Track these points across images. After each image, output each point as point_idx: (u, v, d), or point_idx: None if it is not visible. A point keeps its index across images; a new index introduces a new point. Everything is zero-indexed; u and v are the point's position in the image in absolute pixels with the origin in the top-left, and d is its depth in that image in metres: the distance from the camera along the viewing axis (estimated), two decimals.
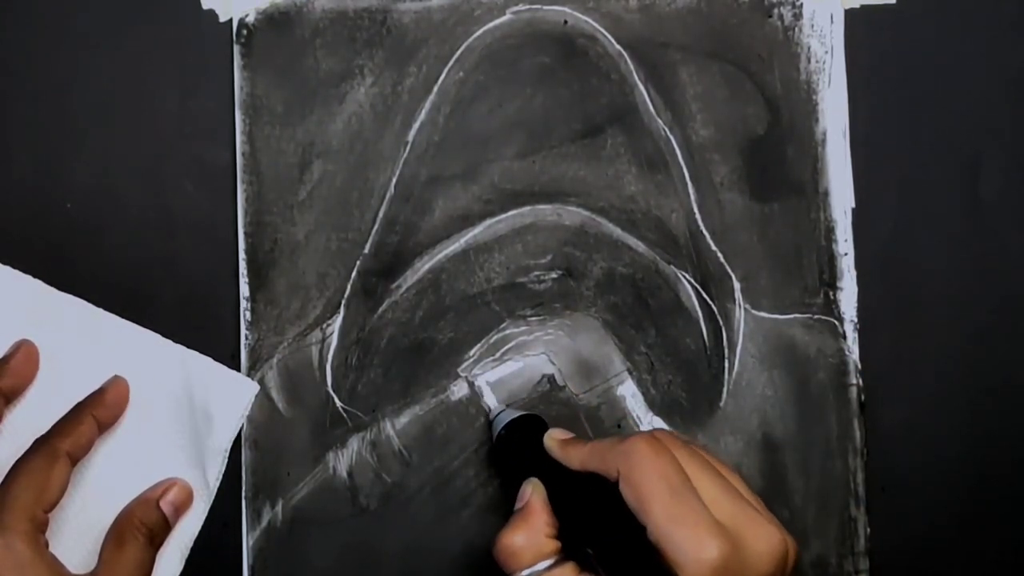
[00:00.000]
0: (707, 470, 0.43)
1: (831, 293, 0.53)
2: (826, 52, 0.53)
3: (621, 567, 0.41)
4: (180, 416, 0.50)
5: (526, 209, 0.53)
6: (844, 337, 0.53)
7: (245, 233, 0.52)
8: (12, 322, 0.49)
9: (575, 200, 0.53)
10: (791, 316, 0.53)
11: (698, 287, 0.53)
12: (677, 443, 0.43)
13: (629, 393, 0.52)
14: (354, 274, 0.52)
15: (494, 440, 0.51)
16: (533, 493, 0.45)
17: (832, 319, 0.53)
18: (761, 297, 0.53)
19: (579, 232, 0.53)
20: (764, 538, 0.41)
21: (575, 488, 0.45)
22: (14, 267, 0.50)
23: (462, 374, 0.52)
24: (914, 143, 0.53)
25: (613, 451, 0.43)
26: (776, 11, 0.53)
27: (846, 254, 0.53)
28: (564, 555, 0.44)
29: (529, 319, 0.53)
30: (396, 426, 0.52)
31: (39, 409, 0.48)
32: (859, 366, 0.53)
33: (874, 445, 0.53)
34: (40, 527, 0.45)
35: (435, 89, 0.53)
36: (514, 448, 0.49)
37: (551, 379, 0.52)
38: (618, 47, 0.53)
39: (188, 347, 0.51)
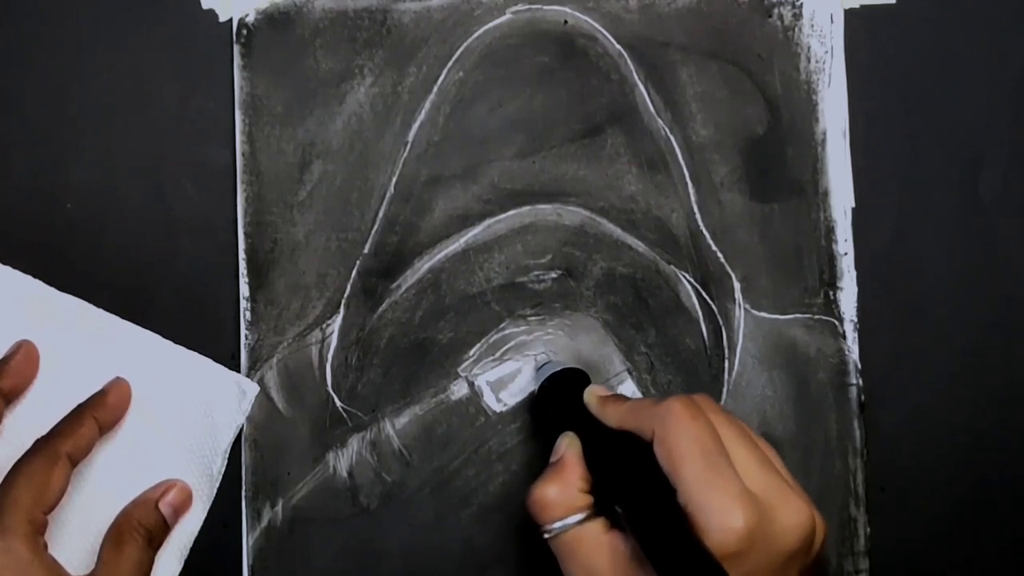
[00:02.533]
0: (742, 439, 0.42)
1: (831, 293, 0.53)
2: (826, 52, 0.53)
3: (648, 527, 0.41)
4: (180, 417, 0.50)
5: (526, 209, 0.53)
6: (844, 337, 0.53)
7: (245, 233, 0.52)
8: (12, 322, 0.49)
9: (575, 200, 0.53)
10: (791, 316, 0.53)
11: (698, 287, 0.53)
12: (715, 409, 0.43)
13: (629, 393, 0.52)
14: (354, 274, 0.52)
15: (536, 391, 0.51)
16: (568, 447, 0.45)
17: (832, 319, 0.53)
18: (761, 297, 0.53)
19: (579, 232, 0.53)
20: (793, 512, 0.41)
21: (610, 445, 0.44)
22: (14, 267, 0.50)
23: (462, 374, 0.52)
24: (914, 143, 0.53)
25: (650, 411, 0.43)
26: (776, 11, 0.53)
27: (846, 254, 0.53)
28: (595, 510, 0.43)
29: (529, 319, 0.53)
30: (396, 426, 0.52)
31: (39, 410, 0.48)
32: (859, 366, 0.53)
33: (874, 445, 0.53)
34: (39, 528, 0.45)
35: (435, 89, 0.53)
36: (553, 401, 0.49)
37: None
38: (618, 47, 0.53)
39: (188, 347, 0.51)
